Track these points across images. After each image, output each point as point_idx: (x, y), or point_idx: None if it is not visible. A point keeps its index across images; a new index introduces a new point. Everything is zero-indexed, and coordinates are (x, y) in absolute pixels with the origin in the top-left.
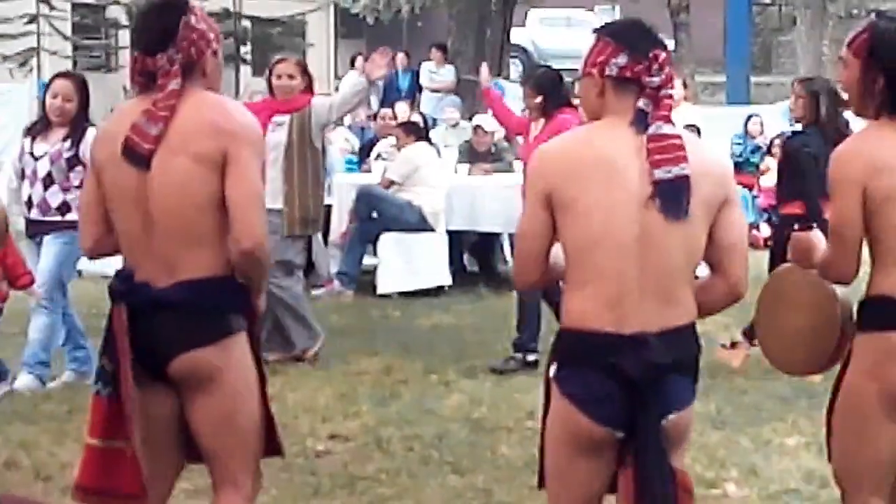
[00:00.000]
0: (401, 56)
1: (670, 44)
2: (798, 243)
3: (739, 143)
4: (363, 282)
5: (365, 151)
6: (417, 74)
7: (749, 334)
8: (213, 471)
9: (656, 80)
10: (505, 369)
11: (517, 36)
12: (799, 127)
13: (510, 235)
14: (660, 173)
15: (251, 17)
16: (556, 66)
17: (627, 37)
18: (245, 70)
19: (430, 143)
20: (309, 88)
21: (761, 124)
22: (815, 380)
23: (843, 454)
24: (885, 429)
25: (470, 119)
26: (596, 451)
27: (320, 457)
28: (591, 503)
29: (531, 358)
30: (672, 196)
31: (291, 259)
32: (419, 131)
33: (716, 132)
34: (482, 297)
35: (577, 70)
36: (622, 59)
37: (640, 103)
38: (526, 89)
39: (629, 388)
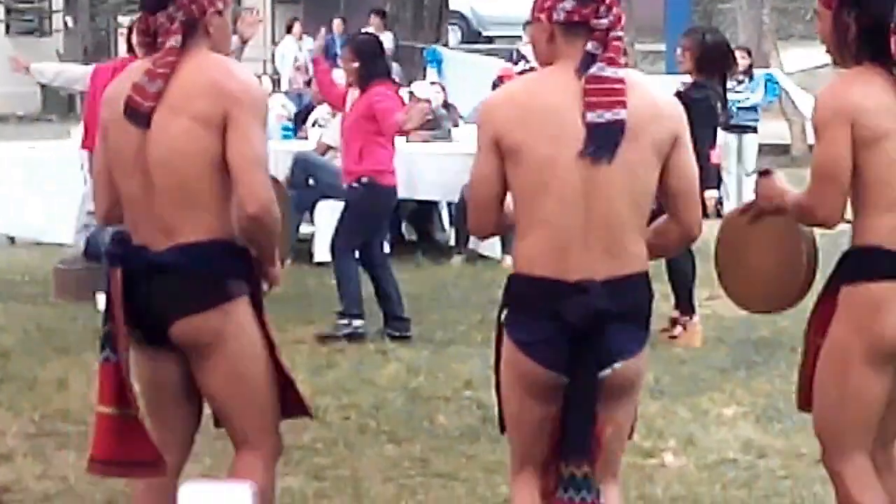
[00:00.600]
0: (337, 22)
1: None
2: (765, 188)
3: None
4: (300, 249)
5: (301, 118)
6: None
7: (683, 307)
8: (230, 433)
9: (604, 21)
10: (333, 335)
11: (456, 2)
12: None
13: (448, 204)
14: (592, 116)
15: None
16: (495, 32)
17: None
18: None
19: None
20: None
21: None
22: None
23: (825, 409)
24: (870, 383)
25: (408, 86)
26: (545, 395)
27: None
28: (544, 441)
29: (357, 324)
30: (602, 141)
31: None
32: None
33: None
34: (420, 266)
35: (516, 37)
36: (569, 3)
37: (589, 46)
38: (344, 52)
39: (572, 334)
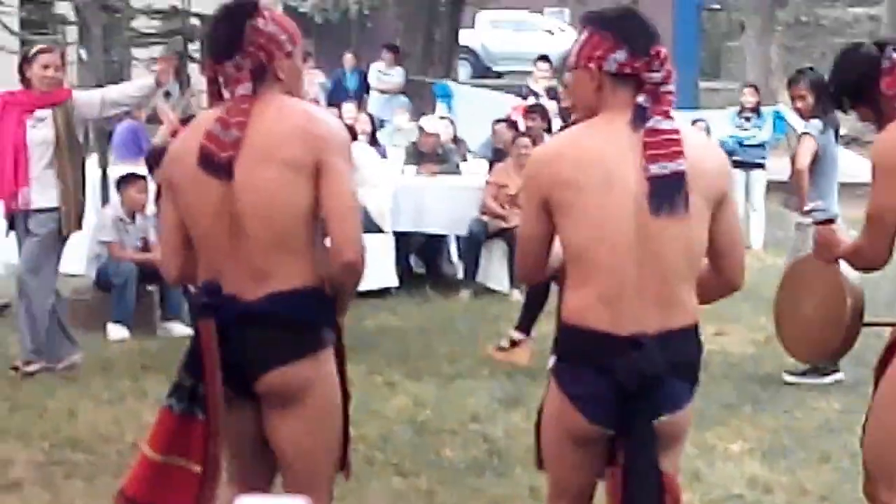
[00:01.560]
0: (348, 56)
1: None
2: (821, 237)
3: None
4: None
5: None
6: (365, 75)
7: (521, 327)
8: (289, 480)
9: (657, 76)
10: None
11: (466, 38)
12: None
13: (457, 237)
14: (655, 168)
15: (199, 15)
16: (504, 67)
17: (625, 30)
18: (193, 67)
19: (377, 144)
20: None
21: (707, 129)
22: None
23: (881, 439)
24: None
25: (419, 119)
26: (588, 445)
27: None
28: (586, 487)
29: None
30: (667, 192)
31: (54, 257)
32: (353, 132)
33: None
34: (428, 299)
35: (525, 73)
36: (621, 55)
37: (640, 99)
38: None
39: (623, 388)
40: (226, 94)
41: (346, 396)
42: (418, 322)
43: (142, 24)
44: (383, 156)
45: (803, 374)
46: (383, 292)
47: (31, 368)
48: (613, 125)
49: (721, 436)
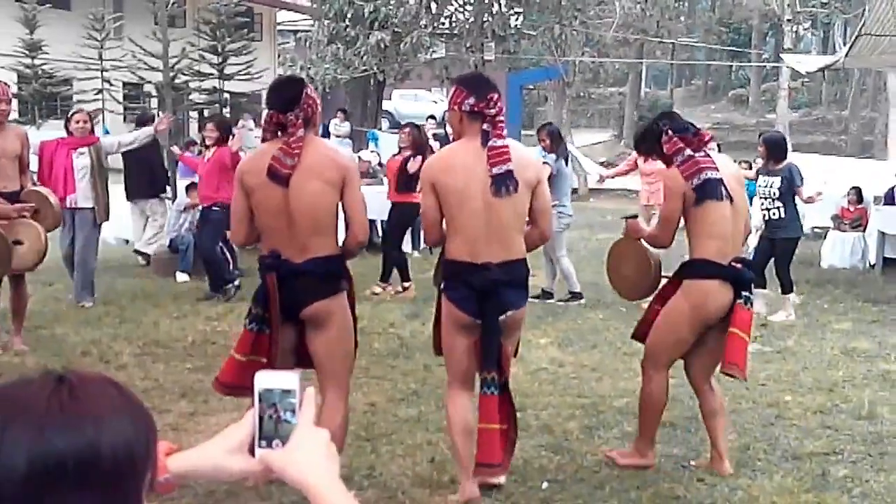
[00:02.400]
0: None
1: None
2: (631, 226)
3: None
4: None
5: None
6: (326, 127)
7: (383, 279)
8: (323, 376)
9: (493, 111)
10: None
11: (386, 104)
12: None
13: (381, 221)
14: (495, 169)
15: (229, 92)
16: (408, 121)
17: (474, 85)
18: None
19: None
20: (92, 130)
21: None
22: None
23: (658, 340)
24: (691, 334)
25: (358, 152)
26: (466, 331)
27: None
28: (467, 363)
29: (229, 286)
30: (502, 183)
31: (96, 237)
32: None
33: None
34: (363, 256)
35: (421, 122)
36: (472, 100)
37: (484, 126)
38: (210, 126)
39: (481, 294)
40: (279, 134)
41: (355, 321)
42: (359, 270)
43: (194, 97)
44: None
45: (540, 297)
46: None
47: (87, 305)
48: (470, 144)
49: (535, 334)
